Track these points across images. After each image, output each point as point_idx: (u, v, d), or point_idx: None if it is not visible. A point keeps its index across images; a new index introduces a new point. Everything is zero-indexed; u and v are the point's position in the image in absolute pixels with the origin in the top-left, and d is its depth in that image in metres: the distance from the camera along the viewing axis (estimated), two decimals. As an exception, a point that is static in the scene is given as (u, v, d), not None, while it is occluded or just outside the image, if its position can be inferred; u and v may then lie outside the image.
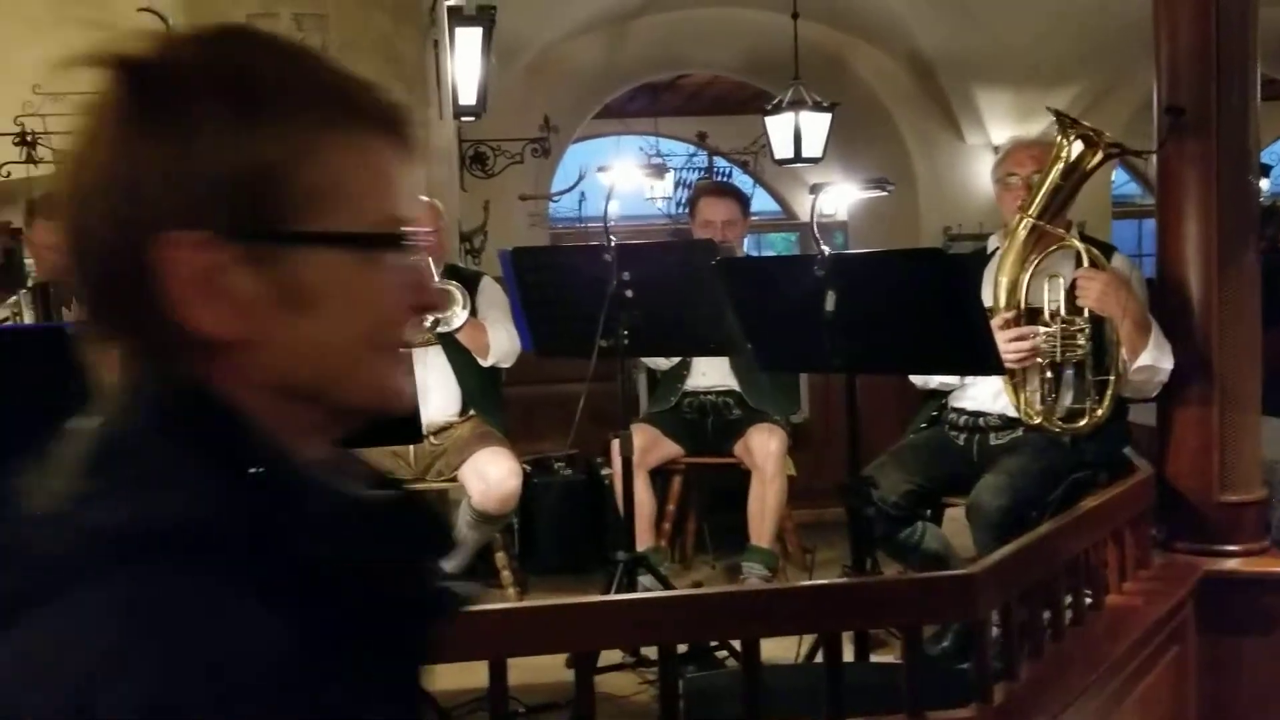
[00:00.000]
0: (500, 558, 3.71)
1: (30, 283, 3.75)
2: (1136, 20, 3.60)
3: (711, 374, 3.98)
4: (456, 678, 2.69)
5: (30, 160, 6.79)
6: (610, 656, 2.91)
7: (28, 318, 3.53)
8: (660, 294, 3.15)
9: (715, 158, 12.78)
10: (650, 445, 3.81)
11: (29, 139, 6.72)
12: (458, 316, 3.56)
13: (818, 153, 7.72)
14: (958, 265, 2.91)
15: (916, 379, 3.36)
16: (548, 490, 4.24)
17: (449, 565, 3.67)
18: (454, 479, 3.64)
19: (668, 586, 3.36)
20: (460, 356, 3.72)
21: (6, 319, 3.58)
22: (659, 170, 7.38)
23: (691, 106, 11.99)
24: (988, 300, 3.02)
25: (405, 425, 3.04)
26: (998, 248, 3.23)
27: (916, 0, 8.30)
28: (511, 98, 7.69)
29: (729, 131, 12.01)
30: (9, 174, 6.92)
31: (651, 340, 3.34)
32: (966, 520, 3.07)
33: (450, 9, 4.81)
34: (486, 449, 3.59)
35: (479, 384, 3.78)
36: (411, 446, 3.63)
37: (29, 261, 6.80)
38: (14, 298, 3.67)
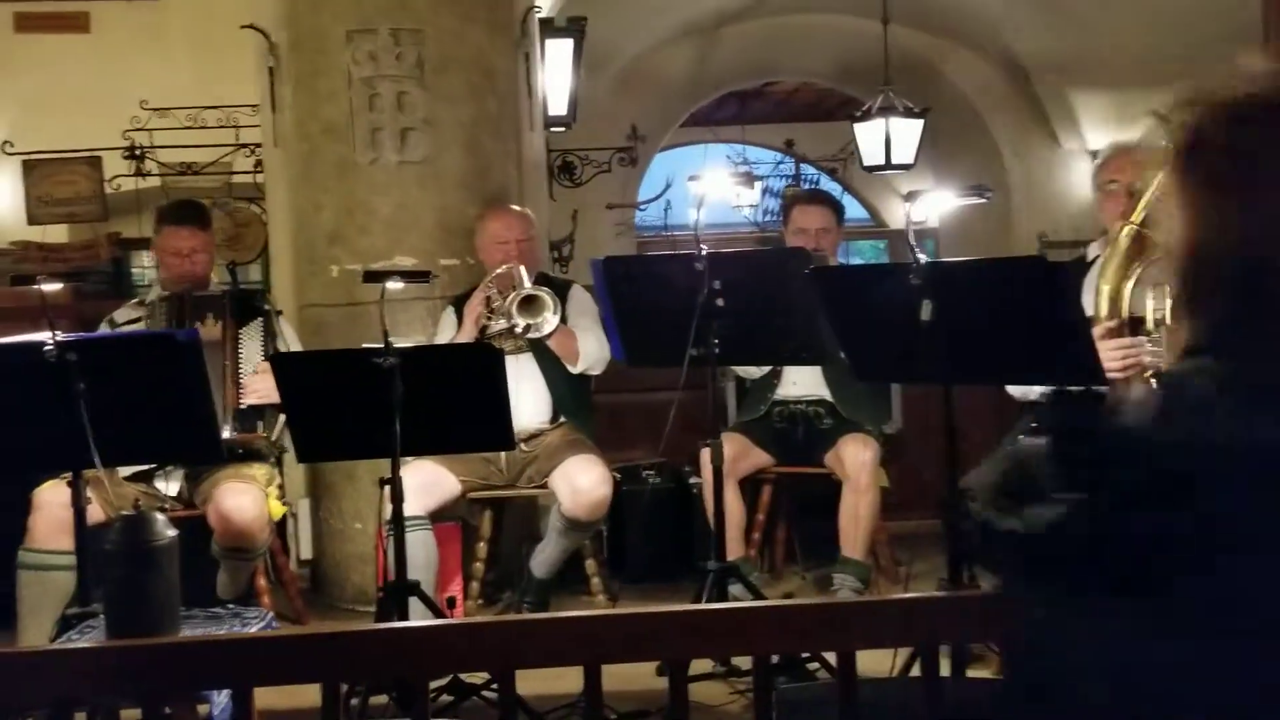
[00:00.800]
0: (590, 565, 3.73)
1: (155, 293, 3.75)
2: (1243, 19, 3.49)
3: (802, 383, 3.95)
4: (548, 683, 2.71)
5: (139, 173, 7.01)
6: (699, 666, 2.91)
7: (161, 325, 3.58)
8: (752, 302, 3.15)
9: (803, 165, 12.70)
10: (740, 454, 3.79)
11: (138, 153, 6.94)
12: (549, 323, 3.59)
13: (909, 159, 7.62)
14: (1059, 273, 2.85)
15: (1015, 390, 3.29)
16: (637, 498, 4.26)
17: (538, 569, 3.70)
18: (544, 486, 3.67)
19: (759, 597, 3.34)
20: (551, 364, 3.75)
21: (137, 319, 3.66)
22: (749, 179, 7.34)
23: (779, 113, 11.93)
24: (1088, 309, 2.95)
25: (497, 431, 3.09)
26: (1098, 255, 3.15)
27: (1011, 1, 8.16)
28: (599, 107, 7.73)
29: (817, 139, 11.91)
30: (119, 186, 7.15)
31: (742, 349, 3.33)
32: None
33: (541, 21, 4.86)
34: (577, 456, 3.61)
35: (569, 391, 3.80)
36: (503, 453, 3.66)
37: (135, 271, 7.05)
38: (139, 299, 3.75)
